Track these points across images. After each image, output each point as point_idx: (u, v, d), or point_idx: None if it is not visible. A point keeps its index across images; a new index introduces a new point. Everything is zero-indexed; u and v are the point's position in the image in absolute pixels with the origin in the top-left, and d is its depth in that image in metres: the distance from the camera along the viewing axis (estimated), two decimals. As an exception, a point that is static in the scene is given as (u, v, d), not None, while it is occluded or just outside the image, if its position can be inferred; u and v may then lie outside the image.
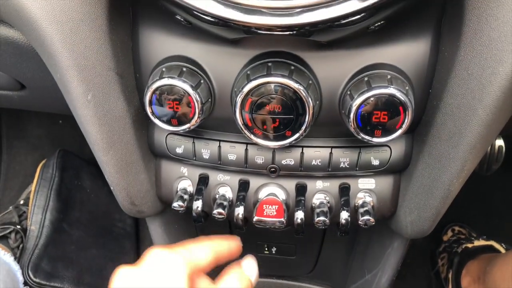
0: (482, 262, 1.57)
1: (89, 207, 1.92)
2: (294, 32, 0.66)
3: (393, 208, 0.92)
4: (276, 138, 0.76)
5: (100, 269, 1.77)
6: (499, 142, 1.54)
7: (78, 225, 1.83)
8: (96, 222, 1.90)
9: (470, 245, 1.71)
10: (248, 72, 0.73)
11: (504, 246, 1.69)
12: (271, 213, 0.87)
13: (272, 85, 0.71)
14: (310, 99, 0.71)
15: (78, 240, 1.79)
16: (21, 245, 1.66)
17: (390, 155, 0.85)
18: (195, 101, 0.75)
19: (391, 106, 0.71)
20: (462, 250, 1.71)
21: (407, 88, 0.72)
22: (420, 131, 0.83)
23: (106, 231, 1.91)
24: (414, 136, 0.86)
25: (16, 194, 2.11)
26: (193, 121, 0.77)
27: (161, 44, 0.79)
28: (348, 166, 0.86)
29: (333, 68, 0.75)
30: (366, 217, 0.86)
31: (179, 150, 0.90)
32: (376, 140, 0.74)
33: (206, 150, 0.88)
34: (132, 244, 1.95)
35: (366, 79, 0.72)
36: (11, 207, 1.83)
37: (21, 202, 1.88)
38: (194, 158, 0.90)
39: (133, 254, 1.92)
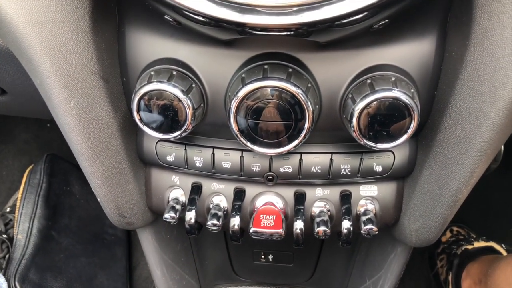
0: (483, 264, 1.54)
1: (78, 213, 1.86)
2: (292, 32, 0.62)
3: (396, 216, 0.88)
4: (273, 145, 0.72)
5: (90, 278, 1.71)
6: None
7: (67, 233, 1.77)
8: (86, 228, 1.84)
9: (469, 247, 1.67)
10: (243, 75, 0.68)
11: (504, 247, 1.66)
12: (268, 224, 0.83)
13: (269, 89, 0.66)
14: (309, 103, 0.67)
15: (67, 248, 1.73)
16: (7, 256, 1.59)
17: (394, 160, 0.81)
18: (186, 106, 0.70)
19: (396, 110, 0.66)
20: (462, 251, 1.68)
21: (412, 90, 0.68)
22: (425, 135, 0.78)
23: (96, 237, 1.85)
24: (418, 140, 0.81)
25: (3, 201, 2.04)
26: (185, 128, 0.72)
27: (149, 46, 0.74)
28: (349, 173, 0.82)
29: (334, 70, 0.71)
30: (369, 226, 0.82)
31: (170, 158, 0.85)
32: (380, 146, 0.70)
33: (199, 157, 0.84)
34: (123, 251, 1.89)
35: (368, 81, 0.68)
36: (-4, 215, 1.76)
37: (8, 209, 1.81)
38: (186, 166, 0.85)
39: (125, 261, 1.87)
